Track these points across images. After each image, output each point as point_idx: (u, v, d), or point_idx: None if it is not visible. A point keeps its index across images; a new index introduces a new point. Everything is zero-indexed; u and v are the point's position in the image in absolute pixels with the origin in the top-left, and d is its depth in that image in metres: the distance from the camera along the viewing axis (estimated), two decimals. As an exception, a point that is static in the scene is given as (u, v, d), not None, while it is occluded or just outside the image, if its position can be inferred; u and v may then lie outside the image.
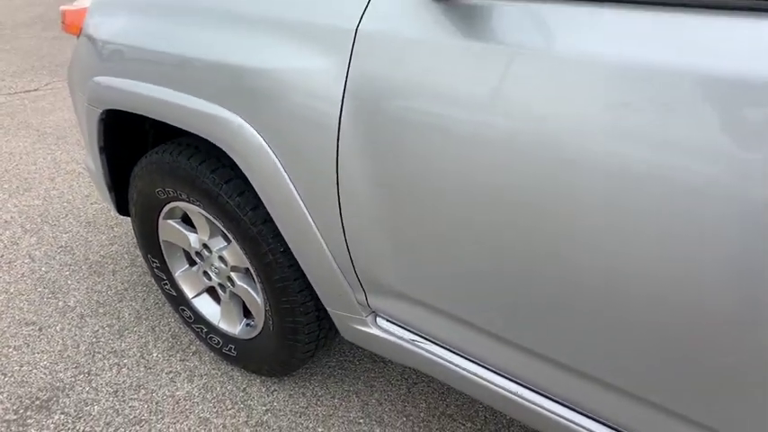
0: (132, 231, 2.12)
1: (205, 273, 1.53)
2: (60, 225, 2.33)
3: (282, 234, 1.14)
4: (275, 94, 0.98)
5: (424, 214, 0.90)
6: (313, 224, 1.07)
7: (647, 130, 0.66)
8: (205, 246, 1.45)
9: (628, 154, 0.67)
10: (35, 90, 4.02)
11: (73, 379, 1.59)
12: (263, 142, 1.04)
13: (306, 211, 1.06)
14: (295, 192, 1.05)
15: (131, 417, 1.47)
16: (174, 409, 1.50)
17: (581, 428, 0.92)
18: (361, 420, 1.46)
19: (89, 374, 1.60)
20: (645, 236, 0.69)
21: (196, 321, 1.62)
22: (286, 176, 1.04)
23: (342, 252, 1.07)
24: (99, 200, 2.52)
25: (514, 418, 1.06)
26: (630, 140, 0.67)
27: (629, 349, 0.78)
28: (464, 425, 1.45)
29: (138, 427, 1.44)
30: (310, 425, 1.45)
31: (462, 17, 0.79)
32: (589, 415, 0.92)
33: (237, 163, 1.10)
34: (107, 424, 1.45)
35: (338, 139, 0.93)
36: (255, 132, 1.04)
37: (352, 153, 0.92)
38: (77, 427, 1.44)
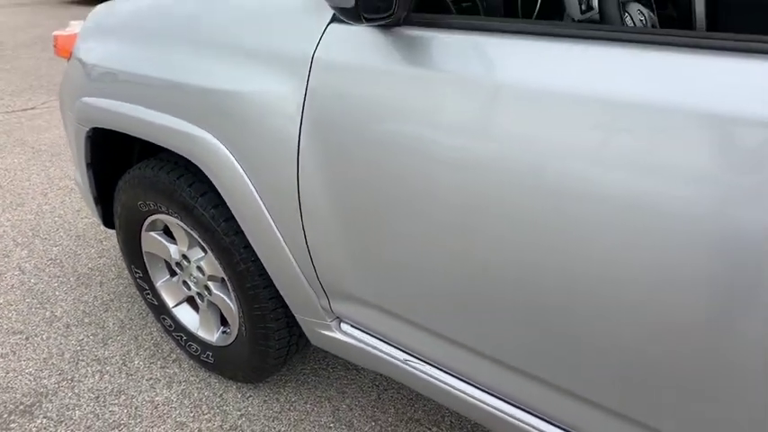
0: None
1: (184, 282, 1.61)
2: (51, 239, 2.41)
3: (252, 244, 1.22)
4: (243, 114, 1.07)
5: (375, 227, 0.99)
6: (279, 235, 1.15)
7: (553, 150, 0.75)
8: (184, 256, 1.53)
9: (541, 168, 0.76)
10: (32, 108, 4.12)
11: (56, 385, 1.65)
12: (233, 159, 1.12)
13: (272, 223, 1.14)
14: (262, 205, 1.13)
15: (111, 421, 1.54)
16: (152, 413, 1.56)
17: (533, 429, 0.98)
18: (332, 425, 1.53)
19: (72, 381, 1.67)
20: (556, 244, 0.78)
21: (176, 330, 1.69)
22: (254, 191, 1.13)
23: (305, 261, 1.15)
24: (89, 215, 2.60)
25: (471, 419, 1.13)
26: (543, 157, 0.76)
27: (575, 354, 0.85)
28: (430, 429, 1.52)
29: (116, 431, 1.51)
30: (282, 429, 1.51)
31: (405, 46, 0.88)
32: (542, 417, 0.99)
33: (210, 178, 1.19)
34: (87, 428, 1.52)
35: (298, 157, 1.02)
36: (226, 150, 1.13)
37: (310, 170, 1.01)
38: (58, 431, 1.50)
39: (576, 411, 0.91)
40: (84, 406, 1.58)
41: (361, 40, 0.92)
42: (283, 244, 1.15)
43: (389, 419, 1.55)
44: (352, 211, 1.00)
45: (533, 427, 0.99)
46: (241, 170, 1.12)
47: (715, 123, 0.64)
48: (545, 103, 0.75)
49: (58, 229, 2.49)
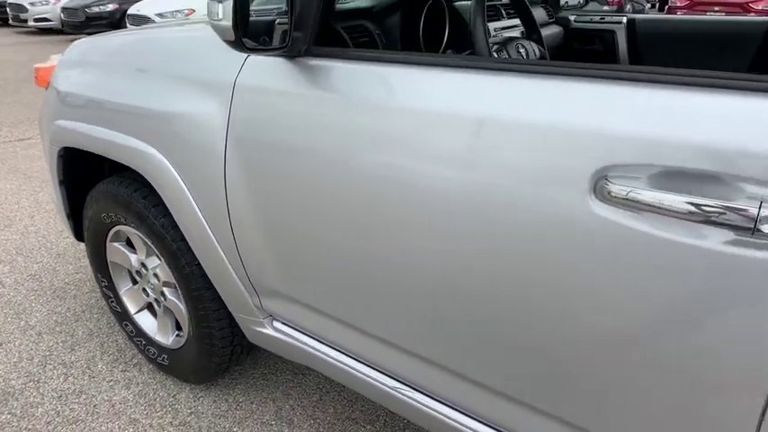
0: (95, 261, 2.35)
1: (144, 290, 1.76)
2: (33, 256, 2.57)
3: (192, 248, 1.38)
4: (182, 132, 1.24)
5: (291, 229, 1.15)
6: (214, 239, 1.31)
7: (422, 156, 0.91)
8: (143, 265, 1.68)
9: (414, 174, 0.92)
10: (28, 139, 4.34)
11: (23, 386, 1.78)
12: (175, 172, 1.29)
13: (207, 229, 1.30)
14: (199, 213, 1.30)
15: (70, 417, 1.66)
16: (108, 411, 1.68)
17: (453, 422, 1.09)
18: (273, 422, 1.65)
19: (38, 382, 1.79)
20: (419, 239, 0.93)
21: (137, 335, 1.83)
22: (192, 200, 1.29)
23: (237, 263, 1.31)
24: (71, 234, 2.76)
25: (395, 412, 1.25)
26: (415, 163, 0.92)
27: (492, 350, 0.96)
28: (365, 427, 1.64)
29: (74, 426, 1.63)
30: (227, 425, 1.63)
31: (308, 73, 1.06)
32: (461, 410, 1.09)
33: (157, 189, 1.36)
34: (47, 423, 1.64)
35: (225, 169, 1.19)
36: (169, 164, 1.30)
37: (234, 180, 1.18)
38: (21, 425, 1.63)
39: (479, 399, 1.02)
40: (47, 404, 1.70)
41: (272, 69, 1.10)
42: (218, 247, 1.31)
43: (328, 418, 1.67)
44: (269, 214, 1.16)
45: (454, 421, 1.09)
46: (181, 181, 1.29)
47: (535, 129, 0.80)
48: (416, 118, 0.92)
49: (40, 248, 2.64)
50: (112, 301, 1.86)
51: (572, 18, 2.31)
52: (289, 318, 1.34)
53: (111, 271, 1.82)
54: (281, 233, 1.17)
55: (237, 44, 0.94)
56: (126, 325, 1.85)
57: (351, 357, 1.26)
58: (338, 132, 1.01)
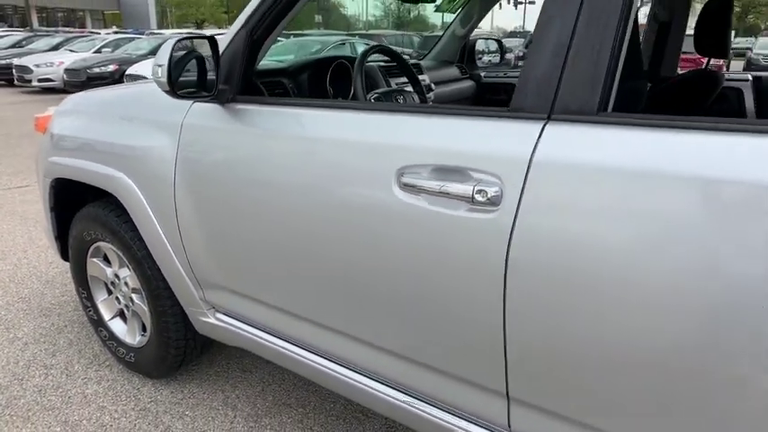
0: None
1: (117, 298, 2.10)
2: (24, 283, 2.90)
3: (152, 255, 1.74)
4: (145, 162, 1.63)
5: (224, 233, 1.51)
6: (168, 245, 1.67)
7: (314, 172, 1.29)
8: (117, 276, 2.03)
9: (311, 185, 1.30)
10: (26, 186, 4.74)
11: (9, 383, 2.08)
12: (140, 193, 1.67)
13: (163, 237, 1.67)
14: (157, 225, 1.67)
15: (47, 405, 1.96)
16: (81, 401, 1.98)
17: (407, 406, 1.32)
18: (220, 407, 1.95)
19: (22, 380, 2.10)
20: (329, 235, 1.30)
21: (110, 339, 2.15)
22: (152, 215, 1.66)
23: (185, 263, 1.66)
24: (59, 264, 3.10)
25: (324, 386, 1.57)
26: (311, 178, 1.30)
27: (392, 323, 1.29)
28: (297, 410, 1.94)
29: (50, 412, 1.92)
30: (181, 410, 1.94)
31: (234, 114, 1.46)
32: (379, 379, 1.37)
33: (126, 207, 1.73)
34: (28, 410, 1.93)
35: (174, 189, 1.57)
36: (135, 187, 1.68)
37: (181, 197, 1.56)
38: (5, 412, 1.92)
39: (388, 363, 1.32)
40: (28, 396, 2.01)
41: (208, 112, 1.50)
42: (171, 251, 1.67)
43: (267, 404, 1.97)
44: (207, 223, 1.53)
45: (373, 389, 1.38)
46: (143, 200, 1.66)
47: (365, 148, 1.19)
48: (310, 146, 1.30)
49: (30, 277, 2.98)
50: (90, 311, 2.20)
51: (483, 74, 2.79)
52: (226, 306, 1.68)
53: (90, 284, 2.16)
54: (216, 237, 1.54)
55: (171, 93, 1.34)
56: (101, 330, 2.18)
57: (278, 337, 1.59)
58: (254, 156, 1.40)
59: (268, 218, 1.38)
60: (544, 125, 0.98)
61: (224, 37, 1.48)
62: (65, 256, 2.27)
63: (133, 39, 13.53)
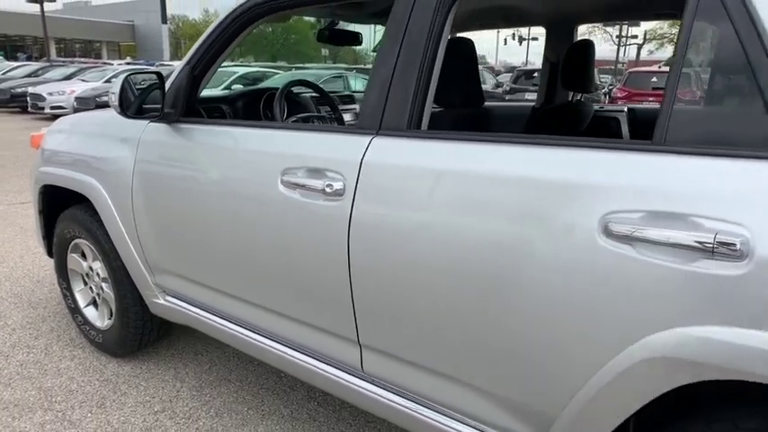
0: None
1: (91, 288, 2.48)
2: (17, 282, 3.29)
3: (115, 246, 2.12)
4: (110, 170, 2.03)
5: (170, 227, 1.90)
6: (127, 238, 2.06)
7: (240, 176, 1.68)
8: (90, 268, 2.42)
9: (236, 189, 1.69)
10: (28, 202, 5.17)
11: (-4, 358, 2.45)
12: (107, 195, 2.07)
13: (124, 232, 2.05)
14: (119, 221, 2.06)
15: (26, 375, 2.32)
16: (55, 373, 2.34)
17: (294, 359, 1.70)
18: (170, 379, 2.30)
19: (7, 357, 2.46)
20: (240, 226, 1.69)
21: (84, 323, 2.52)
22: (115, 213, 2.06)
23: (140, 253, 2.05)
24: (49, 268, 3.49)
25: (254, 356, 1.93)
26: (237, 183, 1.70)
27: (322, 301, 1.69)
28: (235, 383, 2.29)
29: (27, 380, 2.28)
30: (137, 381, 2.29)
31: (179, 131, 1.86)
32: (309, 353, 1.76)
33: (96, 208, 2.13)
34: (9, 379, 2.29)
35: (132, 191, 1.96)
36: (104, 190, 2.08)
37: (137, 198, 1.95)
38: (-10, 380, 2.28)
39: (315, 337, 1.68)
40: (11, 368, 2.37)
41: (159, 129, 1.91)
42: (129, 243, 2.06)
43: (210, 379, 2.32)
44: (156, 218, 1.92)
45: (302, 362, 1.73)
46: (109, 201, 2.06)
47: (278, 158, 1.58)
48: (229, 154, 1.69)
49: (24, 277, 3.37)
50: (68, 299, 2.57)
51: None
52: (172, 288, 2.05)
53: (69, 276, 2.55)
54: (162, 229, 1.93)
55: (122, 114, 1.76)
56: (77, 317, 2.55)
57: (210, 312, 1.96)
58: (189, 163, 1.80)
59: (197, 212, 1.77)
60: (372, 137, 1.37)
61: (173, 70, 1.90)
62: (50, 253, 2.66)
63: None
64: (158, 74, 1.82)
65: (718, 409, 1.01)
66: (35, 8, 26.16)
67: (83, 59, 27.97)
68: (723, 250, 0.89)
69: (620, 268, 0.99)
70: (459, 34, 2.55)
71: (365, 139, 1.38)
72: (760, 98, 0.91)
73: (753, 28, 0.92)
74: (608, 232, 1.00)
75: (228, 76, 11.61)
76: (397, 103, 1.35)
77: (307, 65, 17.71)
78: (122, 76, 1.73)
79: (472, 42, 1.76)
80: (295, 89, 2.45)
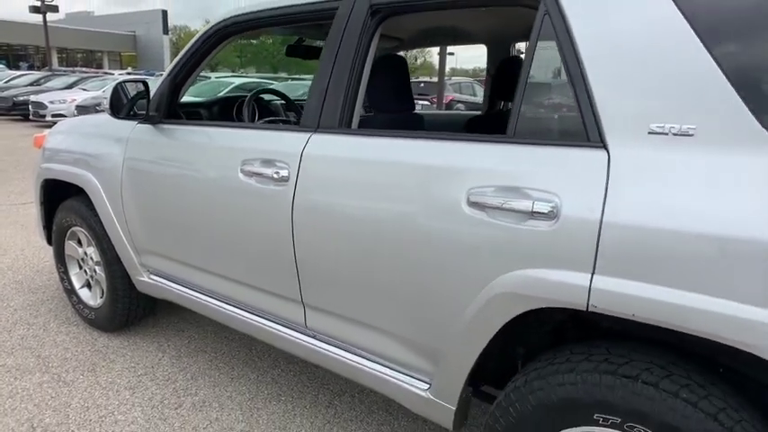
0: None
1: (85, 271, 2.80)
2: (19, 271, 3.61)
3: (107, 231, 2.45)
4: (104, 164, 2.37)
5: (152, 212, 2.23)
6: (117, 224, 2.38)
7: (205, 167, 2.01)
8: (85, 253, 2.74)
9: (207, 176, 2.02)
10: (30, 203, 5.50)
11: None
12: (99, 186, 2.40)
13: (114, 218, 2.38)
14: (110, 209, 2.38)
15: (26, 346, 2.63)
16: (51, 344, 2.66)
17: (254, 321, 2.06)
18: (152, 349, 2.62)
19: (10, 331, 2.78)
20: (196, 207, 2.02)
21: (78, 303, 2.84)
22: (107, 202, 2.39)
23: (128, 236, 2.37)
24: (48, 259, 3.81)
25: (226, 324, 2.25)
26: (204, 173, 2.03)
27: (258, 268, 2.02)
28: (210, 354, 2.60)
29: (28, 350, 2.60)
30: (124, 351, 2.60)
31: (162, 131, 2.19)
32: (257, 313, 2.11)
33: (91, 198, 2.45)
34: (12, 349, 2.61)
35: (121, 184, 2.29)
36: (97, 182, 2.41)
37: (126, 189, 2.28)
38: (-5, 350, 2.60)
39: (256, 297, 2.04)
40: (14, 341, 2.68)
41: (145, 129, 2.24)
42: (118, 228, 2.38)
43: (189, 350, 2.64)
44: (141, 205, 2.25)
45: (255, 321, 2.07)
46: (102, 191, 2.39)
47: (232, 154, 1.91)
48: (201, 149, 2.02)
49: (25, 267, 3.69)
50: (65, 282, 2.89)
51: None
52: (155, 267, 2.38)
53: (66, 261, 2.87)
54: (145, 214, 2.25)
55: (113, 115, 2.09)
56: (72, 297, 2.87)
57: (189, 288, 2.28)
58: (172, 158, 2.12)
59: (174, 198, 2.10)
60: (312, 134, 1.70)
61: (158, 80, 2.24)
62: (50, 241, 2.98)
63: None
64: (145, 82, 2.16)
65: (577, 344, 1.34)
66: (38, 18, 26.66)
67: (84, 69, 28.43)
68: (539, 214, 1.22)
69: (478, 228, 1.32)
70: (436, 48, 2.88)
71: (306, 135, 1.71)
72: (575, 103, 1.25)
73: (574, 54, 1.25)
74: (470, 202, 1.33)
75: (225, 86, 11.99)
76: (331, 106, 1.68)
77: (303, 76, 18.17)
78: (114, 83, 2.07)
79: (403, 59, 2.10)
80: (266, 97, 2.79)
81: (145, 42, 45.42)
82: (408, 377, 1.61)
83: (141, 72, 25.55)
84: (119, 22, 47.02)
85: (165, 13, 44.78)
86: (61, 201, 2.85)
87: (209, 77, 14.85)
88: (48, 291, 3.30)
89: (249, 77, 16.27)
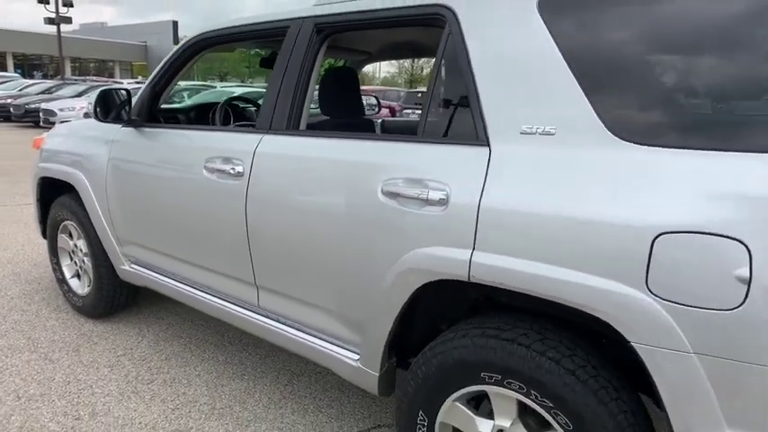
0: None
1: (75, 262, 3.05)
2: (18, 265, 3.87)
3: (93, 224, 2.69)
4: (91, 163, 2.62)
5: (132, 205, 2.47)
6: (102, 217, 2.63)
7: (171, 167, 2.26)
8: (75, 246, 2.99)
9: (169, 174, 2.27)
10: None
11: (-4, 318, 3.01)
12: (87, 183, 2.65)
13: (99, 212, 2.63)
14: (96, 204, 2.63)
15: (18, 329, 2.87)
16: (42, 328, 2.90)
17: (218, 304, 2.30)
18: (133, 335, 2.85)
19: (5, 317, 3.02)
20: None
21: (68, 291, 3.09)
22: (94, 197, 2.63)
23: (112, 228, 2.62)
24: (44, 254, 4.07)
25: (194, 307, 2.48)
26: (171, 171, 2.27)
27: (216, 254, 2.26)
28: (186, 339, 2.83)
29: (19, 333, 2.84)
30: (107, 335, 2.84)
31: (142, 133, 2.44)
32: (217, 295, 2.35)
33: (80, 194, 2.71)
34: (5, 332, 2.85)
35: (106, 180, 2.54)
36: (85, 179, 2.66)
37: (110, 185, 2.53)
38: (-10, 332, 2.84)
39: (222, 282, 2.28)
40: (7, 325, 2.92)
41: (128, 131, 2.49)
42: (103, 220, 2.63)
43: (166, 336, 2.87)
44: (122, 200, 2.50)
45: (212, 301, 2.31)
46: (90, 188, 2.64)
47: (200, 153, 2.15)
48: (173, 149, 2.26)
49: (24, 261, 3.95)
50: (57, 272, 3.14)
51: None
52: (135, 256, 2.62)
53: (59, 253, 3.12)
54: (126, 207, 2.50)
55: (98, 119, 2.35)
56: (63, 286, 3.12)
57: (163, 275, 2.52)
58: (149, 157, 2.37)
59: (150, 192, 2.34)
60: (264, 135, 1.94)
61: (140, 87, 2.50)
62: (44, 234, 3.24)
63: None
64: (127, 90, 2.41)
65: (476, 316, 1.55)
66: (52, 29, 27.35)
67: (95, 78, 29.06)
68: (434, 201, 1.44)
69: (390, 214, 1.54)
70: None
71: (259, 136, 1.95)
72: (469, 109, 1.47)
73: (469, 69, 1.48)
74: (384, 192, 1.56)
75: (228, 95, 12.34)
76: (281, 111, 1.92)
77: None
78: (99, 90, 2.33)
79: (353, 70, 2.34)
80: (241, 104, 3.05)
81: (156, 52, 46.19)
82: (343, 349, 1.83)
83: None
84: (131, 32, 47.95)
85: (175, 23, 45.64)
86: (55, 197, 3.11)
87: (215, 86, 15.27)
88: (42, 282, 3.55)
89: (252, 87, 16.66)
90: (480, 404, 1.56)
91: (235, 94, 2.89)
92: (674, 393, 1.14)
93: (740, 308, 1.06)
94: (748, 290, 1.05)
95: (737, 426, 1.10)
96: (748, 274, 1.05)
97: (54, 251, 3.14)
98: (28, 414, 2.16)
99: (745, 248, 1.05)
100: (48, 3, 26.27)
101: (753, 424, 1.09)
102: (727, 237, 1.07)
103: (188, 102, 10.32)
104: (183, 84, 15.76)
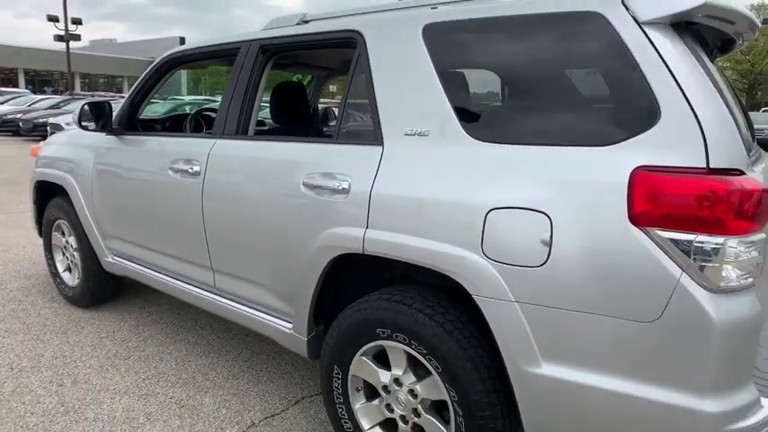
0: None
1: (66, 257, 3.41)
2: (17, 263, 4.24)
3: (81, 222, 3.05)
4: (80, 168, 2.98)
5: (113, 203, 2.83)
6: (88, 215, 2.99)
7: (145, 170, 2.61)
8: (67, 242, 3.35)
9: (151, 177, 2.62)
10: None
11: (-5, 307, 3.37)
12: (76, 185, 3.01)
13: (86, 210, 2.99)
14: (83, 203, 2.99)
15: (15, 316, 3.22)
16: (36, 315, 3.25)
17: (183, 287, 2.64)
18: (117, 321, 3.19)
19: (4, 306, 3.38)
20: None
21: (61, 283, 3.44)
22: (81, 198, 2.99)
23: (96, 224, 2.97)
24: (36, 232, 4.44)
25: (164, 292, 2.83)
26: (146, 174, 2.63)
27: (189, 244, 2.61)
28: (165, 325, 3.17)
29: (15, 319, 3.19)
30: (93, 320, 3.18)
31: (123, 140, 2.81)
32: (184, 280, 2.70)
33: (69, 194, 3.07)
34: (3, 317, 3.20)
35: (91, 182, 2.90)
36: (74, 182, 3.02)
37: (95, 186, 2.89)
38: (-10, 318, 3.20)
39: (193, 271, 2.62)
40: (5, 312, 3.28)
41: (111, 139, 2.85)
42: (89, 217, 2.99)
43: (147, 321, 3.21)
44: (105, 198, 2.85)
45: (183, 287, 2.66)
46: (77, 188, 3.00)
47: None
48: (148, 153, 2.62)
49: (24, 260, 4.32)
50: (51, 267, 3.50)
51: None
52: (116, 249, 2.97)
53: (53, 249, 3.48)
54: (109, 205, 2.85)
55: (80, 127, 2.71)
56: (56, 279, 3.48)
57: (140, 264, 2.86)
58: (126, 161, 2.73)
59: (127, 191, 2.70)
60: (217, 139, 2.30)
61: (121, 101, 2.87)
62: (40, 233, 3.60)
63: (153, 102, 15.56)
64: (108, 103, 2.79)
65: (382, 288, 1.89)
66: (63, 46, 28.14)
67: (103, 93, 29.79)
68: (340, 190, 1.78)
69: (309, 202, 1.88)
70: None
71: (213, 141, 2.31)
72: (371, 115, 1.82)
73: (371, 82, 1.83)
74: (304, 184, 1.90)
75: (199, 106, 12.78)
76: (232, 118, 2.28)
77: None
78: (82, 103, 2.70)
79: (301, 85, 2.70)
80: (213, 114, 3.43)
81: (164, 68, 46.95)
82: (280, 320, 2.16)
83: (157, 96, 26.68)
84: (139, 48, 48.96)
85: (182, 40, 46.50)
86: (50, 199, 3.48)
87: (215, 99, 15.75)
88: (40, 278, 3.91)
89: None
90: (383, 362, 1.88)
91: (205, 106, 3.19)
92: (503, 334, 1.47)
93: (544, 265, 1.38)
94: (549, 250, 1.38)
95: (548, 357, 1.42)
96: (549, 238, 1.38)
97: (48, 248, 3.50)
98: (19, 381, 2.50)
99: (548, 219, 1.38)
100: (57, 21, 27.07)
101: (558, 356, 1.41)
102: (536, 210, 1.40)
103: (162, 112, 11.02)
104: (187, 98, 16.66)
